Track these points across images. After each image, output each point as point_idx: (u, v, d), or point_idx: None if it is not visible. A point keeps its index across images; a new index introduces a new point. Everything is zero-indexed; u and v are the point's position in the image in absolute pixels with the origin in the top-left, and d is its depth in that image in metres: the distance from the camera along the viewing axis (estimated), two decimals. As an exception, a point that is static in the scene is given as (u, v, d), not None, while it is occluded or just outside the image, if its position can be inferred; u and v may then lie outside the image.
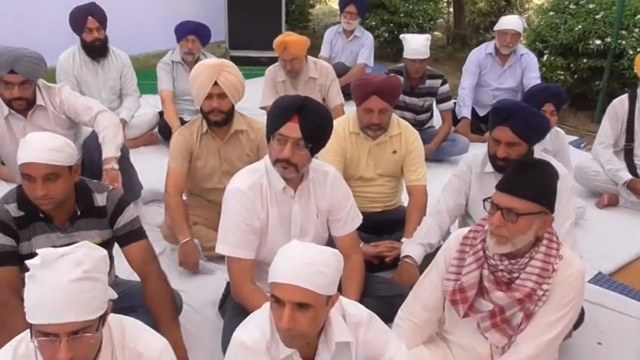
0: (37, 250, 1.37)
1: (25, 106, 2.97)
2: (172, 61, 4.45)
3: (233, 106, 2.92)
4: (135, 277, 2.33)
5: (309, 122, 2.08)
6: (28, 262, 1.37)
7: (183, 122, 4.32)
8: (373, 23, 7.34)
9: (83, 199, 2.17)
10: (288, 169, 2.13)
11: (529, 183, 1.79)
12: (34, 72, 2.90)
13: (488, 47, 4.82)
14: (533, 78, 4.68)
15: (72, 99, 3.10)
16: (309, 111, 2.08)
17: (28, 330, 1.50)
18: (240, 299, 2.21)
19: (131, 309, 2.25)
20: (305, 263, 1.49)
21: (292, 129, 2.06)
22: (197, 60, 4.43)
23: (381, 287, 2.43)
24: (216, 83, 2.78)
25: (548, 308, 1.84)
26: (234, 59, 6.24)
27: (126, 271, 2.42)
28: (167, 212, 3.00)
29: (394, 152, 2.99)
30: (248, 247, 2.20)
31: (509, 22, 4.66)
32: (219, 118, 2.88)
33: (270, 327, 1.61)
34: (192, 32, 4.34)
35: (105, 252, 1.46)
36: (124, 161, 3.10)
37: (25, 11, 5.71)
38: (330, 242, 2.43)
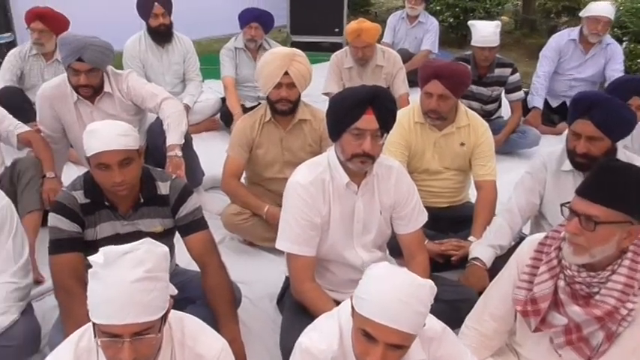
0: (101, 249, 1.35)
1: (91, 92, 3.01)
2: (235, 48, 4.44)
3: (299, 96, 2.87)
4: (194, 267, 2.32)
5: (384, 111, 2.00)
6: (90, 259, 1.35)
7: (244, 109, 4.34)
8: (438, 8, 7.12)
9: (147, 187, 2.17)
10: (366, 163, 2.06)
11: (612, 188, 1.61)
12: (101, 60, 2.93)
13: (571, 33, 4.55)
14: (617, 70, 4.40)
15: (138, 86, 3.12)
16: (382, 100, 2.01)
17: (90, 324, 1.50)
18: (300, 297, 2.16)
19: (190, 300, 2.25)
20: (402, 302, 1.39)
21: (369, 121, 1.99)
22: (259, 47, 4.41)
23: (447, 290, 2.31)
24: (286, 73, 2.73)
25: (635, 331, 1.68)
26: (295, 44, 6.22)
27: (185, 260, 2.41)
28: (232, 196, 3.00)
29: (462, 144, 2.86)
30: (308, 244, 2.14)
31: (602, 8, 4.34)
32: (287, 107, 2.83)
33: (339, 340, 1.54)
34: (255, 19, 4.31)
35: (166, 249, 1.43)
36: (187, 148, 3.10)
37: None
38: (393, 239, 2.35)
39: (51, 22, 4.02)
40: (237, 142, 2.95)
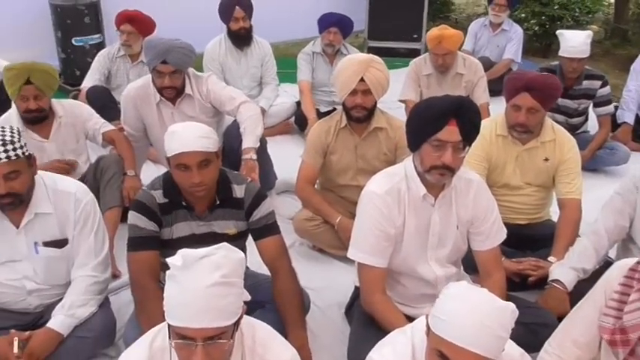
0: (179, 251, 1.37)
1: (174, 94, 3.10)
2: (313, 52, 4.45)
3: (375, 103, 2.83)
4: (264, 270, 2.32)
5: (468, 123, 1.93)
6: (169, 261, 1.37)
7: (319, 113, 4.34)
8: (523, 15, 6.87)
9: (223, 189, 2.20)
10: (445, 176, 1.99)
11: None
12: (184, 62, 3.01)
13: None
14: None
15: (218, 88, 3.18)
16: (466, 111, 1.94)
17: (165, 324, 1.52)
18: (370, 309, 2.11)
19: (259, 304, 2.25)
20: (483, 325, 1.32)
21: (452, 132, 1.92)
22: (337, 52, 4.41)
23: (525, 312, 2.17)
24: (362, 79, 2.70)
25: None
26: (372, 50, 6.17)
27: (256, 263, 2.42)
28: (305, 202, 3.00)
29: (546, 160, 2.72)
30: (381, 255, 2.10)
31: None
32: (362, 114, 2.80)
33: (412, 359, 1.49)
34: (334, 24, 4.30)
35: (242, 255, 1.43)
36: (261, 152, 3.13)
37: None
38: (468, 255, 2.27)
39: (139, 25, 4.18)
40: (312, 148, 2.94)
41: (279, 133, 4.53)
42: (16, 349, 2.01)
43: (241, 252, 1.43)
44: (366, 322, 2.15)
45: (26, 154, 2.09)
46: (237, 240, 2.21)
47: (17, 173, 2.04)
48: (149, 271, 2.11)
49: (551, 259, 2.50)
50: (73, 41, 5.37)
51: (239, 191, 2.22)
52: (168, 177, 2.18)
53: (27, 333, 2.07)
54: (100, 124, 3.19)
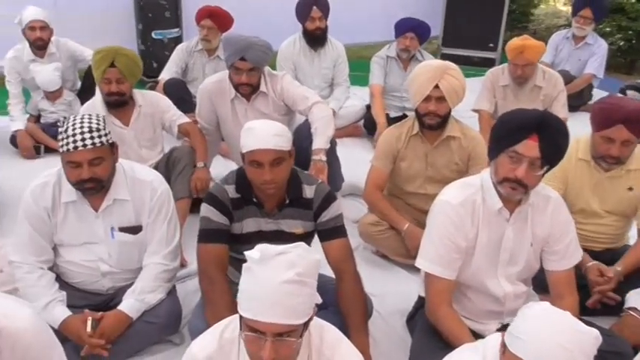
0: (257, 246, 1.39)
1: (249, 91, 3.14)
2: (387, 56, 4.42)
3: (450, 111, 2.78)
4: (328, 272, 2.31)
5: (550, 141, 1.86)
6: (247, 254, 1.39)
7: (388, 118, 4.31)
8: (607, 29, 6.59)
9: (293, 189, 2.21)
10: (517, 190, 1.93)
11: None
12: (262, 60, 3.05)
13: None
14: None
15: (292, 87, 3.21)
16: (550, 128, 1.86)
17: (235, 316, 1.54)
18: (435, 321, 2.07)
19: (322, 306, 2.23)
20: (564, 349, 1.28)
21: (531, 147, 1.85)
22: (412, 57, 4.36)
23: (599, 339, 2.12)
24: (437, 86, 2.66)
25: None
26: (445, 57, 6.08)
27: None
28: (372, 207, 2.97)
29: (630, 189, 2.54)
30: (450, 267, 2.05)
31: None
32: (434, 121, 2.75)
33: None
34: (411, 29, 4.25)
35: (319, 257, 1.43)
36: (330, 153, 3.13)
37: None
38: (539, 274, 2.19)
39: (219, 20, 4.28)
40: (382, 153, 2.92)
41: (348, 135, 4.53)
42: (89, 328, 2.09)
43: (317, 254, 1.43)
44: (430, 334, 2.11)
45: (110, 141, 2.17)
46: (304, 240, 2.17)
47: (100, 160, 2.12)
48: (218, 264, 2.14)
49: (616, 266, 2.40)
50: (153, 34, 5.56)
51: (309, 191, 2.23)
52: (242, 172, 2.21)
53: (99, 313, 2.16)
54: (176, 116, 3.27)
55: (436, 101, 2.70)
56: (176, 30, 5.69)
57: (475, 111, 4.03)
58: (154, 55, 5.56)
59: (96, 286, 2.32)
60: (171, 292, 2.35)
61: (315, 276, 1.41)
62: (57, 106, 4.18)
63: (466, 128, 2.90)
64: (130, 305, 2.19)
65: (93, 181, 2.12)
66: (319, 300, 1.44)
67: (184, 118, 3.30)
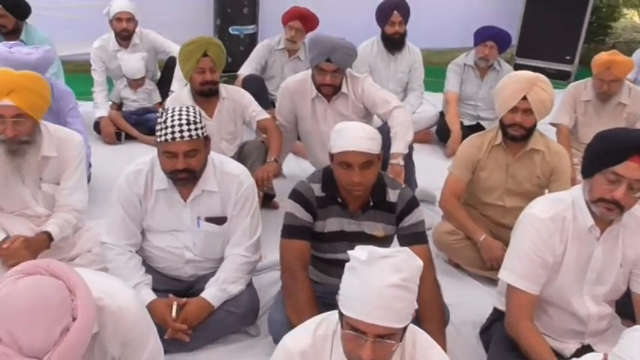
0: (360, 247, 1.42)
1: (332, 91, 3.18)
2: (464, 64, 4.38)
3: (535, 123, 2.73)
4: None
5: None
6: (352, 254, 1.41)
7: (462, 126, 4.27)
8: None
9: (378, 192, 2.22)
10: (612, 211, 1.89)
11: None
12: (347, 62, 3.09)
13: None
14: None
15: (373, 90, 3.22)
16: None
17: (328, 314, 1.57)
18: (515, 335, 2.05)
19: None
20: None
21: (632, 169, 1.81)
22: (490, 66, 4.31)
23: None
24: (524, 98, 2.61)
25: None
26: (518, 67, 5.94)
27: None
28: (449, 215, 2.95)
29: None
30: (535, 281, 2.02)
31: None
32: (519, 133, 2.71)
33: None
34: (492, 38, 4.20)
35: (421, 263, 1.44)
36: (407, 158, 3.13)
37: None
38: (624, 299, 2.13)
39: (307, 22, 4.34)
40: (462, 162, 2.89)
41: (419, 141, 4.47)
42: (174, 313, 2.17)
43: (420, 261, 1.44)
44: (507, 348, 2.09)
45: (205, 134, 2.23)
46: (383, 243, 2.23)
47: (195, 152, 2.19)
48: (300, 260, 2.18)
49: None
50: (230, 30, 5.68)
51: (393, 195, 2.24)
52: (329, 172, 2.24)
53: (183, 300, 2.23)
54: (257, 112, 3.33)
55: (523, 113, 2.66)
56: (252, 27, 5.79)
57: (553, 125, 3.94)
58: (230, 51, 5.53)
59: (178, 272, 2.39)
60: (250, 284, 2.41)
61: (417, 282, 1.43)
62: (138, 95, 4.34)
63: (551, 142, 2.84)
64: (212, 294, 2.25)
65: (187, 171, 2.20)
66: (416, 305, 1.45)
67: (264, 114, 3.35)
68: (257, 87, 4.23)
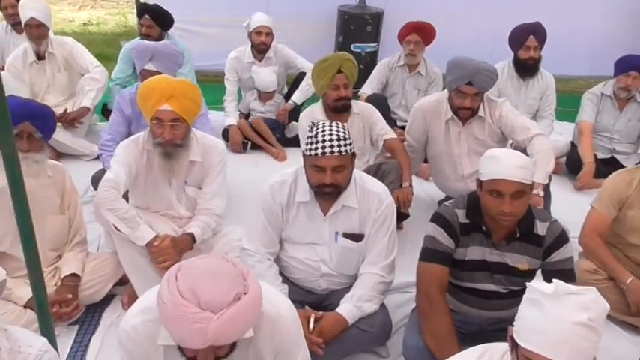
0: (554, 280, 1.37)
1: (469, 114, 3.11)
2: (602, 94, 4.15)
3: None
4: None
5: None
6: (537, 286, 1.36)
7: (595, 159, 4.04)
8: None
9: (525, 223, 2.13)
10: None
11: None
12: (488, 85, 3.02)
13: None
14: None
15: (512, 115, 3.13)
16: None
17: (492, 345, 1.52)
18: None
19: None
20: None
21: None
22: (631, 98, 4.06)
23: None
24: None
25: None
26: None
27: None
28: (590, 253, 2.78)
29: None
30: None
31: None
32: None
33: None
34: (636, 67, 3.94)
35: (607, 305, 1.38)
36: (545, 188, 3.00)
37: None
38: None
39: (425, 34, 4.36)
40: (607, 197, 2.73)
41: (548, 171, 4.30)
42: (311, 325, 2.18)
43: (607, 302, 1.36)
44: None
45: (352, 151, 2.25)
46: (526, 277, 2.14)
47: (343, 167, 2.21)
48: (438, 285, 2.13)
49: None
50: (352, 47, 5.72)
51: (541, 228, 2.14)
52: (474, 198, 2.18)
53: (320, 313, 2.24)
54: (385, 130, 3.33)
55: None
56: (374, 45, 5.83)
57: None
58: (350, 68, 5.72)
59: (313, 284, 2.41)
60: (383, 305, 2.38)
61: (602, 324, 1.35)
62: (266, 107, 4.47)
63: None
64: (348, 310, 2.24)
65: (333, 186, 2.22)
66: (597, 350, 1.37)
67: (392, 134, 3.34)
68: (380, 106, 4.17)
